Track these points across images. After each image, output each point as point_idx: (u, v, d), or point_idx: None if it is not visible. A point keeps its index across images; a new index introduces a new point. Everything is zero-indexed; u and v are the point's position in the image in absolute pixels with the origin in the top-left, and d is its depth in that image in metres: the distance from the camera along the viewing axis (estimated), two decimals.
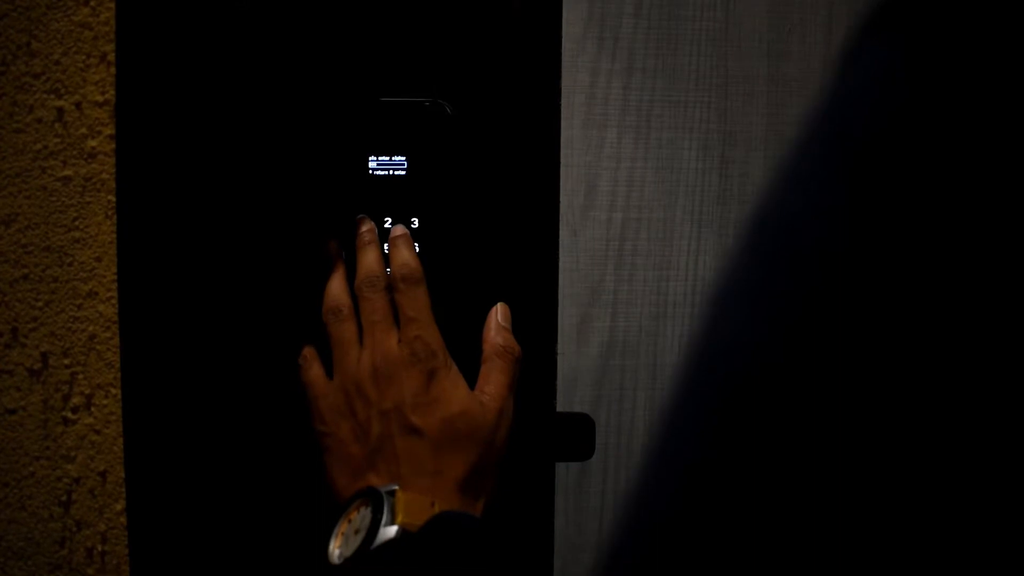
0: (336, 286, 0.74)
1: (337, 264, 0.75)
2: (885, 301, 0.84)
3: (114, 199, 0.76)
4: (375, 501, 0.65)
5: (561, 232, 0.81)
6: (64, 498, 0.78)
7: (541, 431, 0.79)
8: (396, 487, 0.66)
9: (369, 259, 0.74)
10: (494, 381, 0.73)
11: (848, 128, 0.83)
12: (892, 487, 0.86)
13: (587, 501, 0.84)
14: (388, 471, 0.68)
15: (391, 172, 0.77)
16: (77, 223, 0.76)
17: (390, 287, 0.73)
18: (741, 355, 0.83)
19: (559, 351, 0.82)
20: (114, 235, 0.76)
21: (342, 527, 0.66)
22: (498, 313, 0.76)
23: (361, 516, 0.65)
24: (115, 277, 0.77)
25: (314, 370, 0.74)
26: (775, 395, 0.84)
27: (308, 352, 0.74)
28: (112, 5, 0.75)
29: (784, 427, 0.85)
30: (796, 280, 0.83)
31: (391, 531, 0.63)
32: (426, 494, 0.67)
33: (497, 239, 0.78)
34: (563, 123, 0.81)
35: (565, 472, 0.84)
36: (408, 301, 0.72)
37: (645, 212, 0.83)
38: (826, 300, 0.83)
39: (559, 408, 0.82)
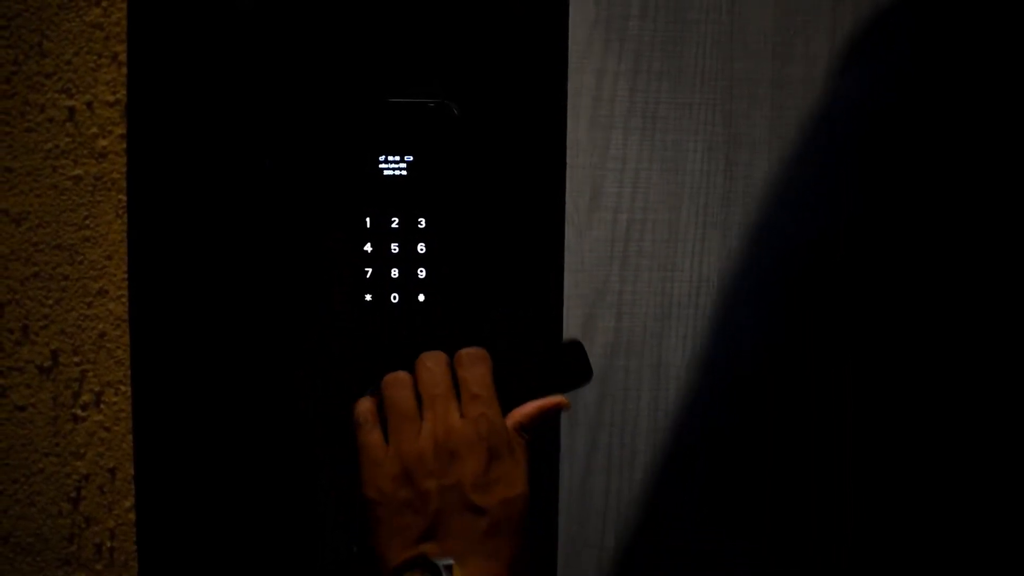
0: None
1: None
2: (883, 292, 0.85)
3: (124, 198, 0.77)
4: (434, 574, 0.66)
5: (567, 233, 0.82)
6: (73, 494, 0.79)
7: (540, 364, 0.78)
8: (452, 562, 0.67)
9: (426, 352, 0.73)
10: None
11: (846, 125, 0.83)
12: (903, 482, 0.87)
13: (591, 501, 0.85)
14: (443, 545, 0.68)
15: (399, 172, 0.77)
16: (88, 222, 0.77)
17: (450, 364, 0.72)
18: (747, 354, 0.84)
19: None
20: (124, 234, 0.77)
21: None
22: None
23: None
24: (125, 275, 0.77)
25: (374, 435, 0.71)
26: (781, 392, 0.85)
27: (369, 411, 0.72)
28: (123, 6, 0.76)
29: (792, 424, 0.85)
30: (795, 274, 0.84)
31: None
32: (479, 572, 0.67)
33: (504, 239, 0.79)
34: (569, 124, 0.81)
35: (568, 471, 0.84)
36: (473, 377, 0.71)
37: (650, 213, 0.83)
38: (825, 293, 0.84)
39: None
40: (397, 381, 0.72)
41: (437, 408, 0.70)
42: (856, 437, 0.86)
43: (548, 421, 0.74)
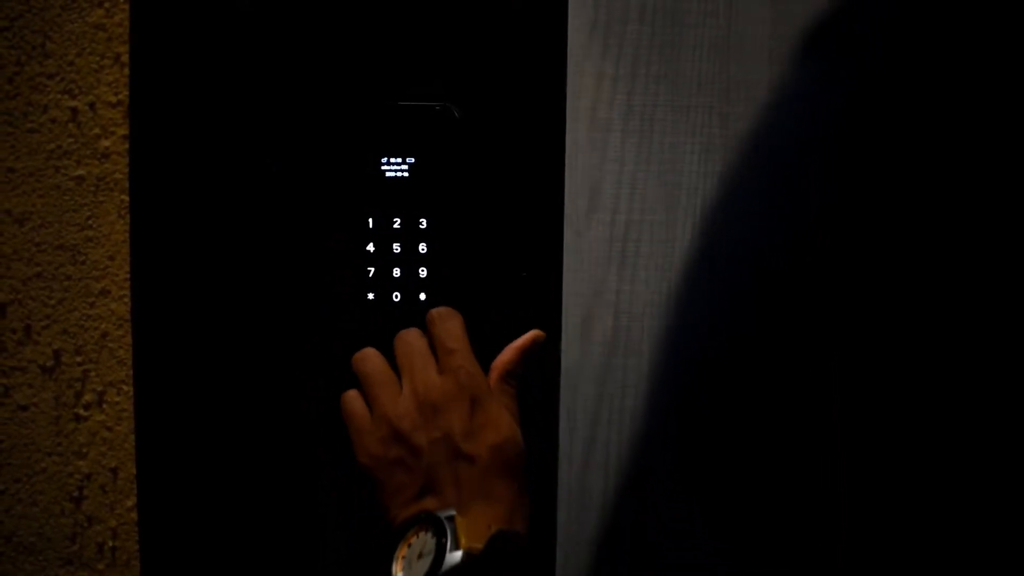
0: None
1: None
2: (849, 285, 0.86)
3: (127, 198, 0.77)
4: (436, 527, 0.66)
5: (565, 233, 0.83)
6: (75, 494, 0.79)
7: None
8: (454, 512, 0.67)
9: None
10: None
11: (799, 118, 0.84)
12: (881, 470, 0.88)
13: (589, 497, 0.86)
14: (441, 498, 0.69)
15: (401, 173, 0.78)
16: (90, 222, 0.77)
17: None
18: (706, 348, 0.85)
19: (562, 348, 0.84)
20: (127, 234, 0.77)
21: (402, 551, 0.67)
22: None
23: (422, 541, 0.66)
24: (128, 275, 0.77)
25: (356, 404, 0.73)
26: (747, 389, 0.86)
27: (352, 391, 0.74)
28: (126, 7, 0.76)
29: (758, 420, 0.87)
30: (753, 267, 0.85)
31: (457, 556, 0.64)
32: (480, 518, 0.68)
33: (503, 239, 0.80)
34: (568, 127, 0.82)
35: (567, 469, 0.85)
36: (446, 333, 0.73)
37: (647, 215, 0.85)
38: (785, 288, 0.85)
39: (561, 400, 0.84)
40: (365, 356, 0.73)
41: (415, 369, 0.72)
42: (833, 433, 0.87)
43: (532, 361, 0.75)
